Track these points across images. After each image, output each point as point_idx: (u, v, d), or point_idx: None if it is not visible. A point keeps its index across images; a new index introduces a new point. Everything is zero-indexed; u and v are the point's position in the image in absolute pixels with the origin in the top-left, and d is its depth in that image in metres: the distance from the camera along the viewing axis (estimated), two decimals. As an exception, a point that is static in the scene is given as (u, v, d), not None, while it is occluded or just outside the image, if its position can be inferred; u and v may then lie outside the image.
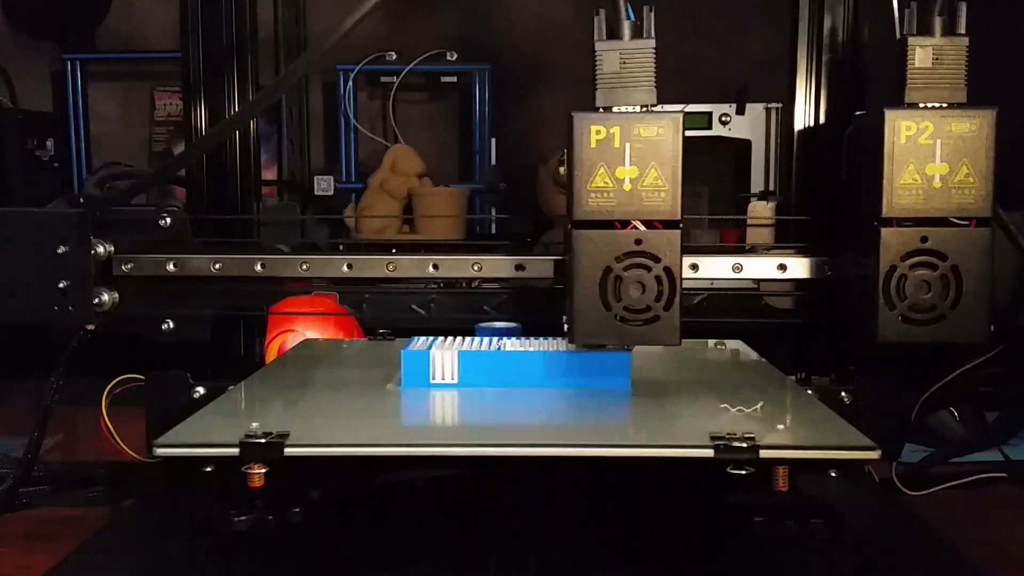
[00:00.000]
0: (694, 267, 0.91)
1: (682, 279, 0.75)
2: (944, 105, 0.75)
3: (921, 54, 0.74)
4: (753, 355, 0.96)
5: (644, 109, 0.74)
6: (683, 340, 0.96)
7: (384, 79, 2.22)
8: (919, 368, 0.95)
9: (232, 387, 0.82)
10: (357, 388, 0.83)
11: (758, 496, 0.66)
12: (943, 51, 0.74)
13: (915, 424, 0.98)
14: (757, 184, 1.96)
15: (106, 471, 0.97)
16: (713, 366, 0.95)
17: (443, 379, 0.80)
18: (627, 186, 0.74)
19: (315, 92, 2.30)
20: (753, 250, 0.95)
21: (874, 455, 0.63)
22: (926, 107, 0.75)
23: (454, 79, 2.23)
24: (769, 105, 1.96)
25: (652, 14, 0.75)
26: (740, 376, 0.90)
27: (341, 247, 1.30)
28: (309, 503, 0.67)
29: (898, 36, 0.76)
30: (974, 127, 0.74)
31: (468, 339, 0.85)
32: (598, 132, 0.74)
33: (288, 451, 0.63)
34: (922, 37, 0.75)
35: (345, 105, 2.17)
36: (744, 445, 0.62)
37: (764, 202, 1.01)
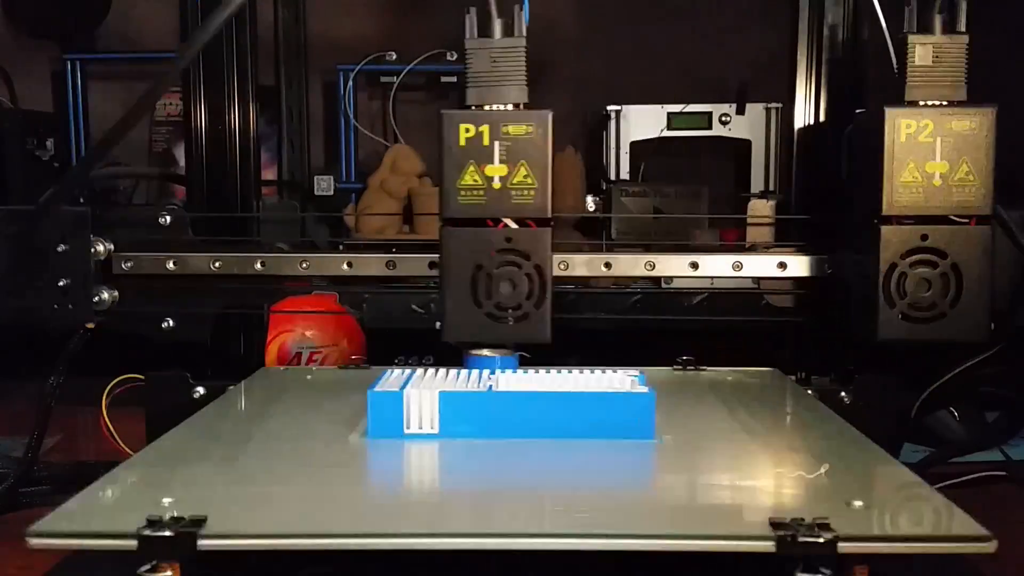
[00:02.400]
0: (694, 265, 0.91)
1: (552, 277, 0.75)
2: (944, 103, 0.75)
3: (921, 52, 0.74)
4: (796, 388, 0.85)
5: (515, 107, 0.75)
6: (710, 368, 0.91)
7: (384, 79, 2.22)
8: (919, 368, 0.95)
9: (167, 434, 0.70)
10: (313, 440, 0.68)
11: None
12: (943, 49, 0.75)
13: (915, 423, 0.98)
14: (757, 184, 1.95)
15: (106, 471, 0.97)
16: (749, 405, 0.79)
17: (420, 428, 0.66)
18: (496, 184, 0.74)
19: (315, 92, 2.29)
20: (753, 248, 0.95)
21: (989, 548, 0.51)
22: (926, 105, 0.75)
23: (454, 79, 2.23)
24: (769, 105, 1.96)
25: (523, 13, 0.75)
26: (785, 419, 0.78)
27: (341, 246, 1.30)
28: None
29: (882, 35, 0.76)
30: (974, 125, 0.74)
31: (453, 372, 0.73)
32: (467, 130, 0.74)
33: (203, 544, 0.48)
34: (922, 35, 0.75)
35: (345, 105, 2.16)
36: (819, 539, 0.47)
37: (764, 200, 1.01)
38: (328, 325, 1.05)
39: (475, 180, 0.75)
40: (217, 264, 0.93)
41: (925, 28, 0.76)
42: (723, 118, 1.96)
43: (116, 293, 0.91)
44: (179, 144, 2.19)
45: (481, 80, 0.75)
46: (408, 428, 0.66)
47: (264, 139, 2.05)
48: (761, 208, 1.00)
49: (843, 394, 0.88)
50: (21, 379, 1.14)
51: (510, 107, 0.75)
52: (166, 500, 0.53)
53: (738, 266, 0.91)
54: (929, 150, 0.74)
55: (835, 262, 0.88)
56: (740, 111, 1.95)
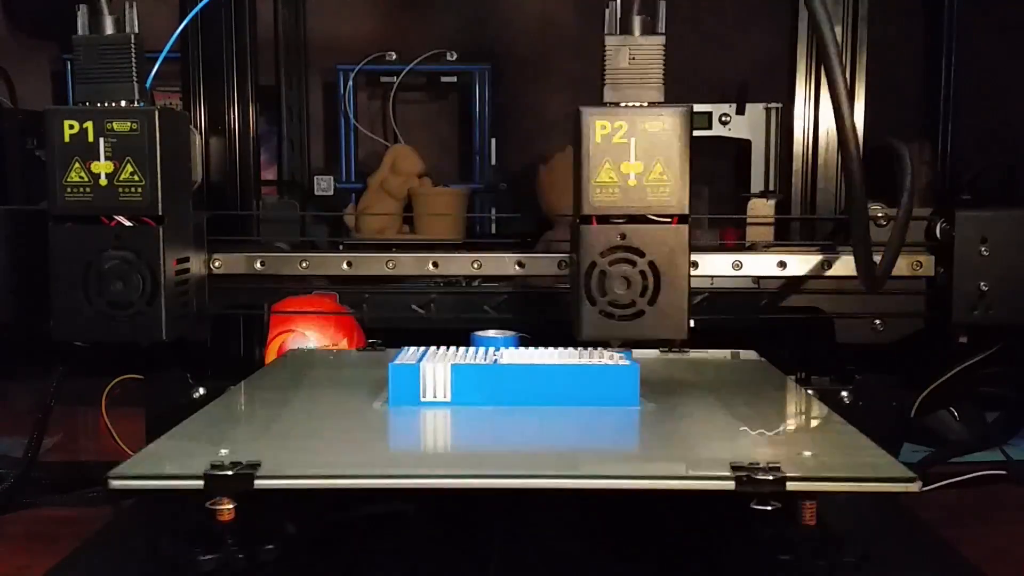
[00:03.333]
0: (694, 264, 0.91)
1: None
2: (640, 104, 0.74)
3: (618, 53, 0.74)
4: (768, 366, 0.92)
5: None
6: (692, 351, 0.96)
7: (384, 79, 2.22)
8: (919, 368, 0.95)
9: (204, 408, 0.76)
10: (341, 407, 0.77)
11: (779, 526, 0.60)
12: (640, 50, 0.74)
13: (915, 423, 0.98)
14: (757, 184, 1.95)
15: (106, 471, 0.97)
16: (727, 380, 0.89)
17: (434, 396, 0.74)
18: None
19: (315, 92, 2.30)
20: (753, 247, 0.95)
21: (914, 487, 0.57)
22: (623, 106, 0.74)
23: (454, 79, 2.23)
24: (769, 105, 1.96)
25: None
26: (757, 391, 0.84)
27: (341, 246, 1.30)
28: (284, 538, 0.60)
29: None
30: (666, 126, 0.74)
31: (462, 350, 0.80)
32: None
33: (259, 483, 0.56)
34: (620, 36, 0.74)
35: (345, 105, 2.17)
36: (769, 477, 0.56)
37: (764, 199, 1.01)
38: (328, 325, 1.05)
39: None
40: (217, 263, 0.93)
41: (625, 29, 0.75)
42: (723, 118, 1.96)
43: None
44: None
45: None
46: (424, 396, 0.74)
47: (264, 139, 2.05)
48: (761, 207, 1.00)
49: (843, 394, 0.88)
50: (21, 379, 1.14)
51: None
52: (223, 451, 0.60)
53: (738, 265, 0.91)
54: (624, 150, 0.74)
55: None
56: (740, 111, 1.95)
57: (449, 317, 1.23)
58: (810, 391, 0.85)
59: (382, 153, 2.11)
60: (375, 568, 0.65)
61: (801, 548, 0.59)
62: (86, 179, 0.76)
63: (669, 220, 0.75)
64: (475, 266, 0.92)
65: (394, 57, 2.17)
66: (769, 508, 0.57)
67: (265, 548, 0.59)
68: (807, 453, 0.63)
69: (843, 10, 1.02)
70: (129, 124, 0.76)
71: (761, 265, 0.92)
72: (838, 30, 1.02)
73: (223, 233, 0.96)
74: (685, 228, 0.75)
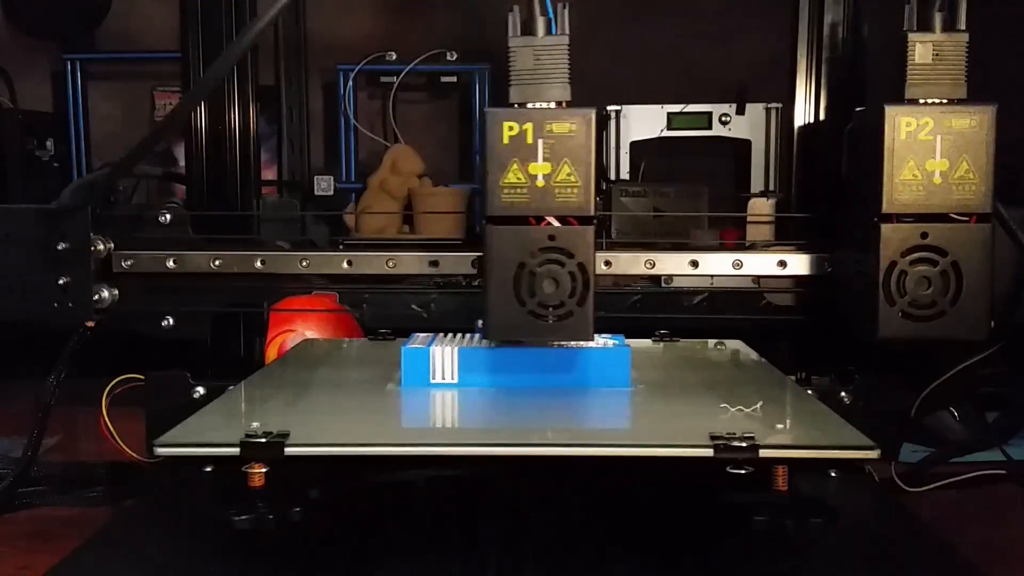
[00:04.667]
0: (694, 264, 0.91)
1: (595, 275, 0.75)
2: (944, 101, 0.75)
3: (921, 50, 0.74)
4: (753, 355, 0.96)
5: (558, 105, 0.74)
6: (683, 340, 0.98)
7: (384, 79, 2.22)
8: (919, 367, 0.95)
9: (232, 387, 0.82)
10: (357, 388, 0.82)
11: (757, 495, 0.65)
12: (943, 47, 0.74)
13: (914, 422, 0.98)
14: (757, 184, 1.96)
15: (106, 471, 0.97)
16: (713, 365, 0.95)
17: (443, 378, 0.80)
18: (540, 182, 0.74)
19: (315, 92, 2.30)
20: (753, 247, 0.95)
21: (873, 454, 0.63)
22: (926, 103, 0.75)
23: (454, 79, 2.23)
24: (769, 105, 1.96)
25: (567, 11, 0.74)
26: (740, 376, 0.90)
27: (341, 244, 1.30)
28: (309, 502, 0.66)
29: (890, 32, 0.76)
30: (974, 123, 0.74)
31: (468, 336, 0.85)
32: (511, 128, 0.74)
33: (288, 451, 0.63)
34: (922, 33, 0.75)
35: (345, 105, 2.17)
36: (743, 444, 0.62)
37: (764, 198, 1.01)
38: (328, 324, 1.05)
39: (519, 178, 0.74)
40: (217, 263, 0.93)
41: (925, 26, 0.75)
42: (723, 118, 1.96)
43: (116, 292, 0.91)
44: (179, 144, 2.19)
45: (524, 78, 0.74)
46: (433, 378, 0.80)
47: (264, 139, 2.05)
48: (761, 206, 1.00)
49: (843, 394, 0.88)
50: (21, 379, 1.14)
51: (552, 105, 0.74)
52: (255, 424, 0.66)
53: (738, 264, 0.91)
54: (929, 148, 0.74)
55: (835, 260, 0.88)
56: (740, 111, 1.95)
57: (449, 316, 1.23)
58: (791, 377, 0.87)
59: (382, 153, 2.12)
60: (389, 531, 0.71)
61: (773, 511, 0.64)
62: (523, 180, 0.75)
63: (968, 219, 0.75)
64: (475, 265, 0.92)
65: (394, 57, 2.17)
66: (743, 472, 0.63)
67: (293, 511, 0.64)
68: (779, 426, 0.71)
69: (843, 10, 1.02)
70: (569, 125, 0.74)
71: (761, 264, 0.92)
72: (838, 29, 1.02)
73: (223, 232, 0.96)
74: (987, 227, 0.75)
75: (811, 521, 0.64)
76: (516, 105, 0.74)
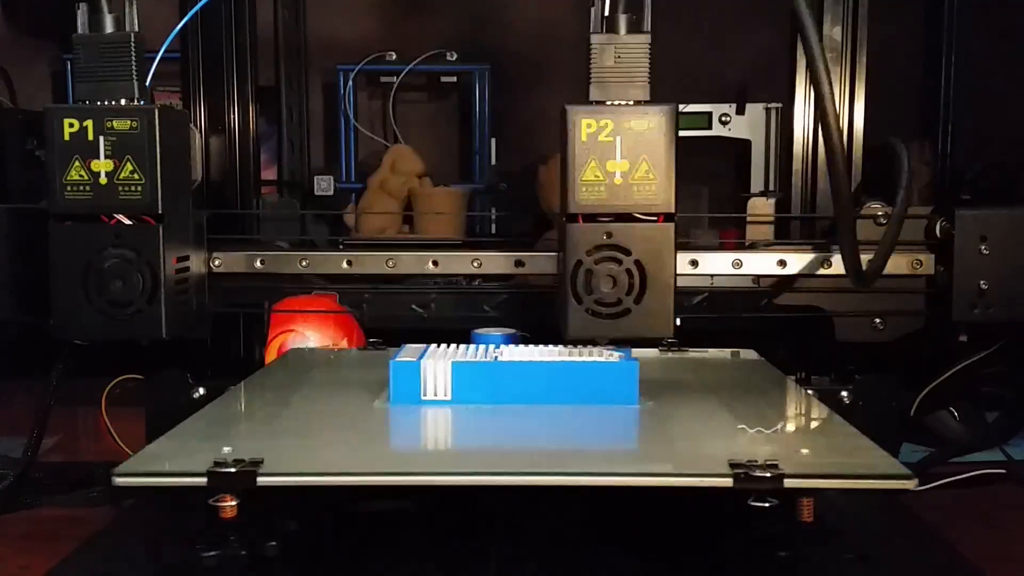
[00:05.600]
0: (693, 263, 0.91)
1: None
2: (626, 103, 0.74)
3: (604, 52, 0.74)
4: (766, 365, 0.92)
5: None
6: (691, 350, 0.96)
7: (384, 79, 2.22)
8: (919, 367, 0.95)
9: (210, 404, 0.78)
10: (342, 406, 0.77)
11: (777, 522, 0.61)
12: (626, 49, 0.74)
13: (914, 422, 0.98)
14: (757, 184, 1.95)
15: (106, 471, 0.97)
16: (726, 379, 0.89)
17: (435, 394, 0.75)
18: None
19: (315, 92, 2.29)
20: (753, 246, 0.95)
21: (910, 484, 0.57)
22: (608, 104, 0.74)
23: (454, 79, 2.23)
24: (769, 105, 1.96)
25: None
26: (755, 390, 0.85)
27: (341, 244, 1.30)
28: (286, 535, 0.62)
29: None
30: (652, 124, 0.74)
31: (462, 347, 0.81)
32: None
33: (261, 480, 0.57)
34: (605, 35, 0.74)
35: (345, 105, 2.16)
36: (767, 475, 0.56)
37: (764, 198, 1.01)
38: (328, 325, 1.05)
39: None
40: (217, 262, 0.93)
41: (611, 28, 0.75)
42: (723, 118, 1.96)
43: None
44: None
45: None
46: (425, 395, 0.75)
47: (264, 139, 2.05)
48: (761, 206, 1.00)
49: (843, 394, 0.88)
50: (21, 379, 1.14)
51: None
52: (226, 449, 0.61)
53: (738, 264, 0.91)
54: (610, 149, 0.74)
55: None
56: (740, 111, 1.95)
57: (449, 317, 1.23)
58: (810, 391, 0.85)
59: (382, 153, 2.11)
60: (376, 565, 0.65)
61: (799, 544, 0.60)
62: (86, 177, 0.76)
63: (655, 218, 0.74)
64: (475, 265, 0.92)
65: (394, 57, 2.17)
66: (767, 505, 0.57)
67: (268, 544, 0.60)
68: (804, 451, 0.64)
69: (843, 10, 1.02)
70: (129, 122, 0.75)
71: (761, 264, 0.92)
72: (837, 30, 1.02)
73: (223, 232, 0.96)
74: (671, 226, 0.74)
75: (842, 558, 0.60)
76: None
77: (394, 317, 1.14)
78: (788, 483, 0.57)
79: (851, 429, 0.70)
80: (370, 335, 1.06)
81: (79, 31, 0.77)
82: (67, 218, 0.77)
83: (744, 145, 1.97)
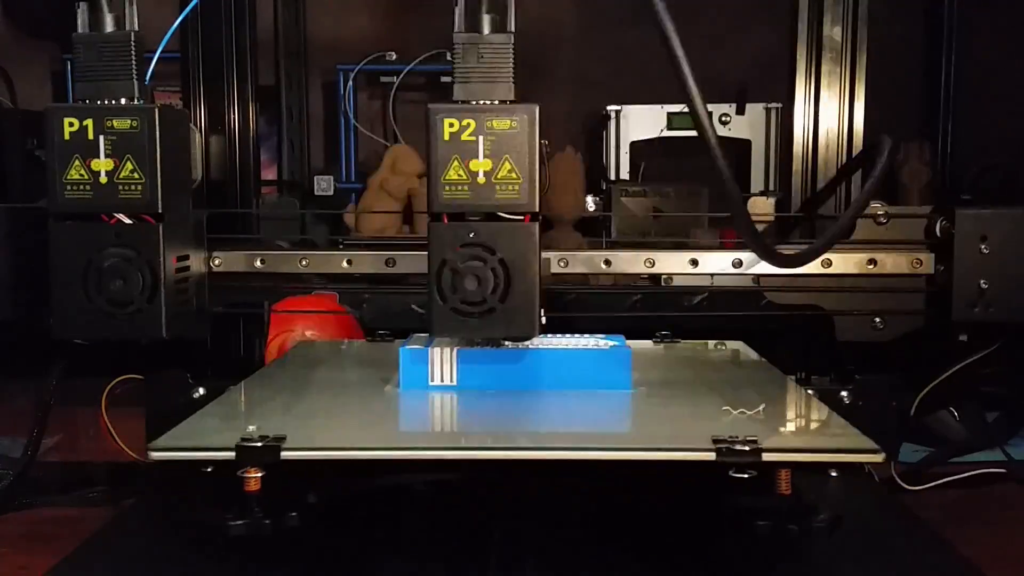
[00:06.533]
0: (693, 262, 0.91)
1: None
2: (489, 102, 0.74)
3: (468, 51, 0.74)
4: (754, 356, 0.95)
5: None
6: (683, 340, 0.98)
7: (384, 79, 2.22)
8: (918, 367, 0.95)
9: (230, 388, 0.81)
10: (355, 390, 0.82)
11: (759, 498, 0.64)
12: (489, 48, 0.74)
13: (914, 422, 0.98)
14: (757, 184, 1.96)
15: (106, 471, 0.97)
16: (714, 367, 0.94)
17: (442, 380, 0.79)
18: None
19: (315, 92, 2.30)
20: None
21: (877, 458, 0.62)
22: (472, 104, 0.74)
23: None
24: (769, 105, 1.96)
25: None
26: (741, 377, 0.90)
27: (341, 244, 1.30)
28: (306, 507, 0.65)
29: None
30: (515, 124, 0.74)
31: None
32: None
33: (285, 455, 0.62)
34: (469, 34, 0.74)
35: (345, 105, 2.17)
36: (746, 448, 0.61)
37: (764, 198, 1.01)
38: (328, 324, 1.05)
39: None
40: (217, 261, 0.93)
41: (475, 27, 0.75)
42: (723, 118, 1.96)
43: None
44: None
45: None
46: (432, 380, 0.79)
47: (264, 139, 2.05)
48: (761, 205, 1.00)
49: (843, 394, 0.88)
50: (21, 379, 1.14)
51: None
52: (251, 427, 0.65)
53: (738, 263, 0.91)
54: (473, 148, 0.74)
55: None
56: (740, 111, 1.95)
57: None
58: (791, 378, 0.87)
59: (382, 153, 2.11)
60: (387, 536, 0.70)
61: (776, 514, 0.63)
62: (86, 177, 0.76)
63: (521, 217, 0.75)
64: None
65: (394, 57, 2.17)
66: (746, 476, 0.61)
67: (289, 515, 0.63)
68: (782, 429, 0.70)
69: (843, 10, 1.02)
70: (129, 122, 0.76)
71: (761, 263, 0.92)
72: (837, 30, 1.02)
73: (223, 232, 0.96)
74: (535, 225, 0.75)
75: (815, 525, 0.63)
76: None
77: (394, 317, 1.14)
78: (766, 456, 0.61)
79: (826, 409, 0.75)
80: (370, 335, 1.06)
81: (79, 30, 0.77)
82: (67, 217, 0.77)
83: (744, 145, 1.97)
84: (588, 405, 0.77)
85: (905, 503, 0.84)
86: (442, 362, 0.79)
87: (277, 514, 0.63)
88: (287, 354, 0.99)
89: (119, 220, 0.77)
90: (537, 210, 0.75)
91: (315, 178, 2.11)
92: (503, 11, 0.74)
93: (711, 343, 1.00)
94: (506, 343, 0.82)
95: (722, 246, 0.98)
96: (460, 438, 0.73)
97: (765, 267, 0.92)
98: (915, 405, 0.95)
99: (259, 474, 0.62)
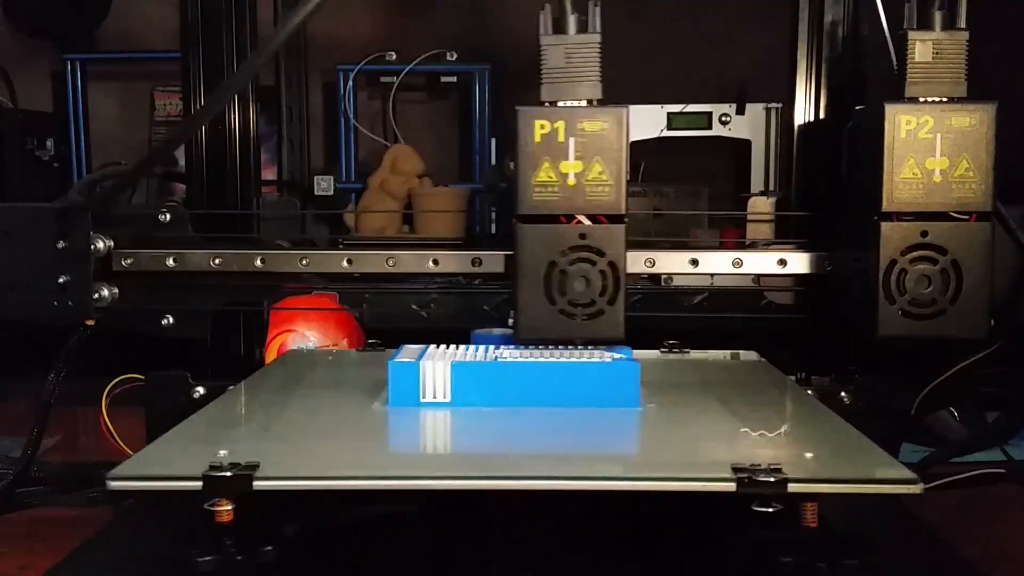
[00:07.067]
0: (694, 262, 0.91)
1: (626, 274, 0.74)
2: (944, 99, 0.74)
3: (921, 48, 0.74)
4: (772, 369, 0.91)
5: (589, 103, 0.74)
6: (694, 351, 0.96)
7: (384, 79, 2.22)
8: (919, 367, 0.95)
9: (208, 406, 0.77)
10: (340, 408, 0.77)
11: (780, 528, 0.60)
12: (943, 45, 0.74)
13: (914, 422, 0.98)
14: (757, 184, 1.95)
15: (106, 471, 0.97)
16: (729, 381, 0.89)
17: (434, 396, 0.74)
18: (571, 180, 0.74)
19: (315, 92, 2.29)
20: (753, 245, 0.95)
21: (916, 489, 0.57)
22: (926, 101, 0.74)
23: (454, 79, 2.23)
24: (769, 105, 1.95)
25: (598, 9, 0.75)
26: (759, 393, 0.84)
27: (341, 243, 1.30)
28: (283, 540, 0.61)
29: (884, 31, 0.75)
30: (974, 121, 0.73)
31: (462, 348, 0.80)
32: (542, 126, 0.74)
33: (257, 484, 0.56)
34: (922, 31, 0.74)
35: (345, 105, 2.16)
36: (771, 479, 0.56)
37: (764, 197, 1.01)
38: (328, 324, 1.05)
39: (550, 176, 0.74)
40: (217, 261, 0.93)
41: (925, 24, 0.75)
42: (723, 118, 1.96)
43: (116, 290, 0.91)
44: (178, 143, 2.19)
45: (555, 76, 0.74)
46: (424, 397, 0.74)
47: (264, 139, 2.05)
48: (761, 205, 1.00)
49: (843, 394, 0.88)
50: (21, 379, 1.14)
51: (583, 103, 0.74)
52: (222, 452, 0.60)
53: (738, 263, 0.91)
54: (929, 146, 0.73)
55: (835, 259, 0.88)
56: (740, 111, 1.95)
57: (449, 316, 1.23)
58: (809, 391, 0.85)
59: (382, 153, 2.11)
60: (374, 570, 0.65)
61: (802, 550, 0.59)
62: (555, 178, 0.74)
63: (967, 217, 0.74)
64: (475, 264, 0.92)
65: (394, 57, 2.17)
66: (771, 510, 0.57)
67: (264, 549, 0.59)
68: (808, 455, 0.63)
69: (843, 10, 1.02)
70: (600, 124, 0.74)
71: (761, 263, 0.92)
72: (838, 28, 1.02)
73: (223, 231, 0.96)
74: (987, 225, 0.74)
75: (845, 563, 0.59)
76: (547, 103, 0.74)
77: (394, 317, 1.14)
78: (792, 487, 0.56)
79: (854, 432, 0.69)
80: (370, 335, 1.06)
81: (542, 32, 0.76)
82: (534, 219, 0.75)
83: (744, 145, 1.97)
84: (593, 424, 0.72)
85: (905, 503, 0.84)
86: (434, 377, 0.74)
87: (250, 548, 0.59)
88: (270, 365, 0.95)
89: (580, 221, 0.75)
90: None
91: (315, 178, 2.11)
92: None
93: (724, 353, 0.96)
94: (506, 355, 0.78)
95: (722, 246, 0.97)
96: (452, 464, 0.68)
97: (765, 267, 0.92)
98: (915, 405, 0.95)
99: (230, 507, 0.58)
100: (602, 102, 0.74)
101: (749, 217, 1.00)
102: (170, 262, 0.92)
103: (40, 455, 0.95)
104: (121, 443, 0.95)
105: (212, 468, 0.57)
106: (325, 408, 0.77)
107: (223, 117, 1.06)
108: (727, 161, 2.06)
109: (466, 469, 0.62)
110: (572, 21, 0.74)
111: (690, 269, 0.92)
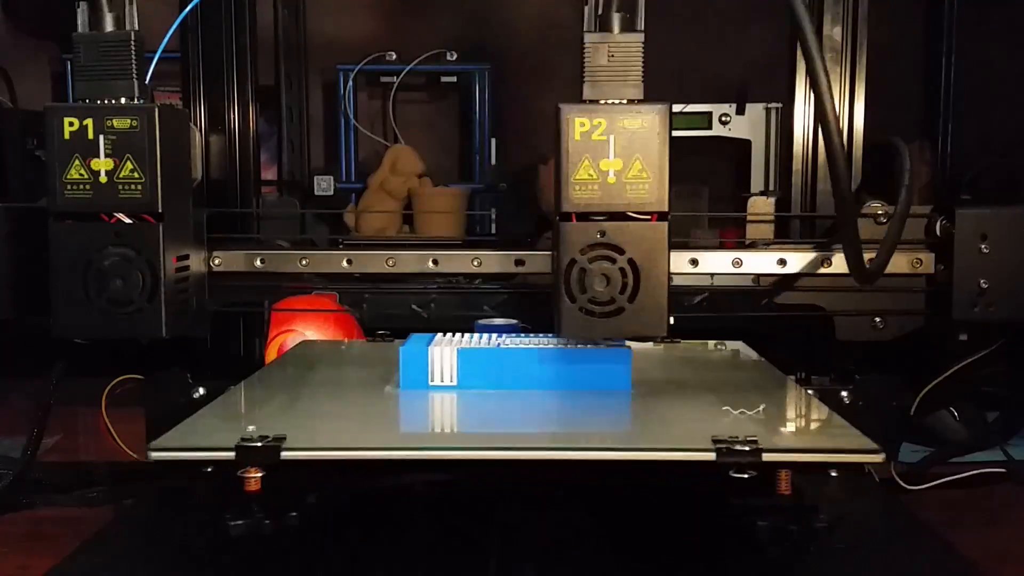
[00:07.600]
0: (693, 262, 0.91)
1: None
2: (619, 101, 0.74)
3: (598, 51, 0.74)
4: (754, 355, 0.95)
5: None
6: (683, 341, 0.98)
7: (384, 79, 2.22)
8: (919, 367, 0.95)
9: (231, 388, 0.81)
10: (355, 390, 0.82)
11: (760, 499, 0.64)
12: (619, 48, 0.74)
13: (914, 422, 0.98)
14: (757, 184, 1.95)
15: (106, 471, 0.97)
16: (714, 367, 0.94)
17: (442, 380, 0.79)
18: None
19: (315, 92, 2.29)
20: (753, 245, 0.95)
21: (877, 458, 0.63)
22: (601, 103, 0.74)
23: (454, 79, 2.23)
24: (769, 105, 1.96)
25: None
26: (741, 377, 0.90)
27: (341, 243, 1.30)
28: (306, 507, 0.66)
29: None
30: (645, 123, 0.74)
31: (467, 336, 0.85)
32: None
33: (285, 455, 0.62)
34: (599, 34, 0.74)
35: (345, 105, 2.16)
36: (747, 448, 0.61)
37: (764, 197, 1.01)
38: (328, 324, 1.05)
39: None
40: (217, 261, 0.93)
41: (605, 27, 0.75)
42: (723, 118, 1.96)
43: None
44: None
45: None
46: (432, 380, 0.79)
47: (264, 139, 2.05)
48: (761, 205, 1.00)
49: (843, 394, 0.88)
50: (21, 379, 1.14)
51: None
52: (250, 427, 0.65)
53: (738, 263, 0.91)
54: (603, 148, 0.74)
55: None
56: (740, 111, 1.95)
57: (449, 316, 1.23)
58: (791, 378, 0.87)
59: (382, 153, 2.11)
60: (387, 536, 0.71)
61: (777, 514, 0.64)
62: (86, 176, 0.76)
63: (648, 217, 0.75)
64: (475, 264, 0.92)
65: (394, 57, 2.17)
66: (746, 476, 0.61)
67: (289, 516, 0.64)
68: (782, 429, 0.70)
69: (843, 10, 1.02)
70: (129, 121, 0.76)
71: (761, 263, 0.92)
72: (837, 30, 1.02)
73: (223, 231, 0.96)
74: (664, 225, 0.75)
75: (816, 526, 0.64)
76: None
77: (394, 317, 1.14)
78: (766, 456, 0.61)
79: (826, 409, 0.75)
80: (370, 335, 1.06)
81: (79, 30, 0.77)
82: (67, 216, 0.77)
83: (744, 145, 1.97)
84: (588, 405, 0.77)
85: (905, 503, 0.84)
86: (442, 362, 0.79)
87: (277, 514, 0.64)
88: (287, 354, 0.99)
89: (119, 219, 0.77)
90: (667, 209, 0.74)
91: (315, 178, 2.11)
92: (633, 9, 0.74)
93: (711, 343, 1.00)
94: (507, 342, 0.82)
95: (722, 246, 0.97)
96: (458, 439, 0.73)
97: (765, 267, 0.92)
98: (915, 405, 0.95)
99: (259, 474, 0.63)
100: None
101: (749, 217, 0.99)
102: (170, 262, 0.91)
103: (40, 455, 0.95)
104: (121, 443, 0.95)
105: (243, 440, 0.63)
106: (341, 391, 0.82)
107: (223, 117, 1.06)
108: (727, 161, 2.06)
109: (471, 443, 0.67)
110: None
111: (689, 269, 0.92)
